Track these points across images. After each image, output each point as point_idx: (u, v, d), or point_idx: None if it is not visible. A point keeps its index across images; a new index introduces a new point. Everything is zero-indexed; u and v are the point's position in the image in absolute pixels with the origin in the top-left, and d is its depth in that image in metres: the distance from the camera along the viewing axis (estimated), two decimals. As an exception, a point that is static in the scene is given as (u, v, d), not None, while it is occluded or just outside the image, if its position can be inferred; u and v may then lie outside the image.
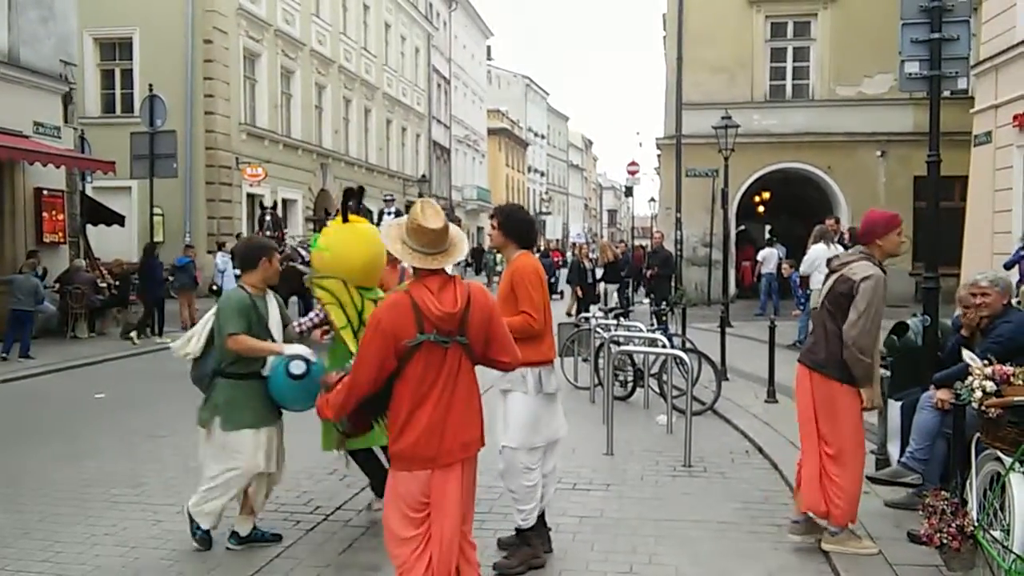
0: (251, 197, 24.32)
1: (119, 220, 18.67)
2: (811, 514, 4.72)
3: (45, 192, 15.20)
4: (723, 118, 16.64)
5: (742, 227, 24.12)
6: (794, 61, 21.49)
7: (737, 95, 20.64)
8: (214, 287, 15.85)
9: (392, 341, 3.24)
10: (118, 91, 22.84)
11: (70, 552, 4.81)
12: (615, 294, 16.96)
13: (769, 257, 18.20)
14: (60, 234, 15.57)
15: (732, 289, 20.13)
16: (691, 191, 20.74)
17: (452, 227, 3.43)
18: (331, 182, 29.68)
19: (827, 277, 4.85)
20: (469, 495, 3.54)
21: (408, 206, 36.48)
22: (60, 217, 15.62)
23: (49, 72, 15.48)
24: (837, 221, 14.00)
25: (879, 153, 20.34)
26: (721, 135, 16.53)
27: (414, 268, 3.40)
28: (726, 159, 16.65)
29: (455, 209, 46.62)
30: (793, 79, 21.50)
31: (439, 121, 43.89)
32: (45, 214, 15.17)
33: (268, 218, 16.52)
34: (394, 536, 3.42)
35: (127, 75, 22.63)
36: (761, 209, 23.65)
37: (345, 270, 4.97)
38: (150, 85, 16.70)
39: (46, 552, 4.81)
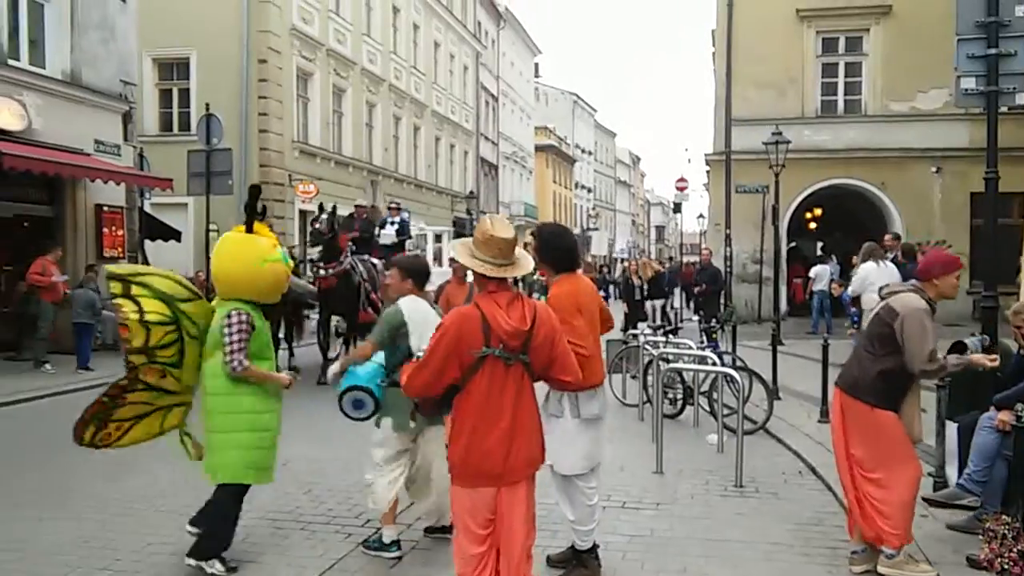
0: (303, 213, 24.72)
1: (176, 236, 19.11)
2: (866, 541, 4.64)
3: (105, 208, 15.64)
4: (774, 134, 16.52)
5: (793, 244, 23.83)
6: (846, 76, 21.21)
7: (787, 111, 20.45)
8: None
9: (457, 351, 3.31)
10: (175, 110, 23.40)
11: (127, 560, 4.93)
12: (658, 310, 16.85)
13: (821, 274, 17.95)
14: (120, 249, 15.99)
15: (783, 307, 19.88)
16: (741, 207, 20.58)
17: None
18: (380, 198, 30.00)
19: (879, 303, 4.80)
20: (532, 512, 3.59)
21: (456, 222, 36.93)
22: (120, 232, 16.05)
23: (109, 92, 15.97)
24: (897, 238, 13.66)
25: (934, 169, 19.95)
26: (772, 151, 16.40)
27: (482, 281, 3.48)
28: (777, 175, 16.50)
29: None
30: (845, 94, 21.20)
31: (487, 138, 44.18)
32: (105, 230, 15.61)
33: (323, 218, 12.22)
34: (462, 553, 3.48)
35: (184, 94, 23.18)
36: (813, 225, 23.35)
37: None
38: (207, 104, 17.10)
39: (105, 560, 4.93)
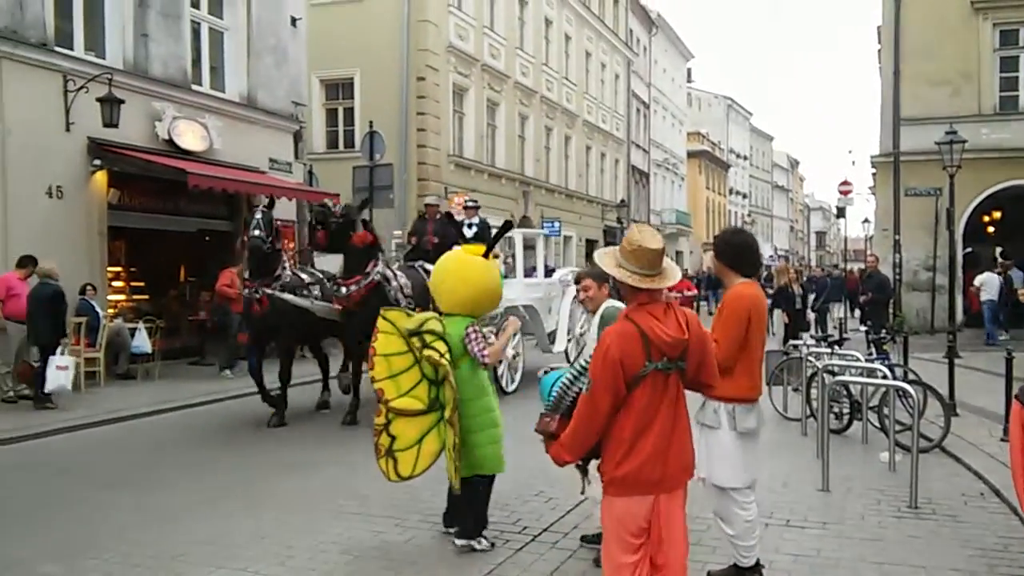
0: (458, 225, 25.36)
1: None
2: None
3: (278, 223, 16.57)
4: (947, 133, 15.53)
5: (969, 249, 22.28)
6: (1028, 70, 19.71)
7: (961, 108, 19.18)
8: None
9: (621, 369, 3.25)
10: (341, 128, 24.61)
11: (301, 558, 5.17)
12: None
13: (988, 282, 16.80)
14: (292, 260, 16.92)
15: (959, 316, 18.61)
16: (911, 211, 19.48)
17: None
18: (532, 209, 30.37)
19: None
20: (686, 522, 3.56)
21: (606, 231, 36.81)
22: (291, 246, 17.00)
23: (282, 113, 17.01)
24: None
25: None
26: (945, 151, 15.42)
27: (632, 293, 3.43)
28: (951, 176, 15.50)
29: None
30: (1027, 89, 19.71)
31: (638, 146, 43.84)
32: (278, 243, 16.56)
33: (258, 218, 9.77)
34: (613, 562, 3.43)
35: (348, 113, 24.35)
36: (991, 229, 21.76)
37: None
38: (370, 122, 17.88)
39: (280, 556, 5.19)
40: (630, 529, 3.38)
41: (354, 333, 9.31)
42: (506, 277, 10.11)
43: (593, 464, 3.69)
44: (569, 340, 12.29)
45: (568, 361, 9.16)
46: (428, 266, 9.54)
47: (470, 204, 13.30)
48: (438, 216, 12.33)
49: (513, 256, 13.43)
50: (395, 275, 10.21)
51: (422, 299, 9.61)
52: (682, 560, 3.47)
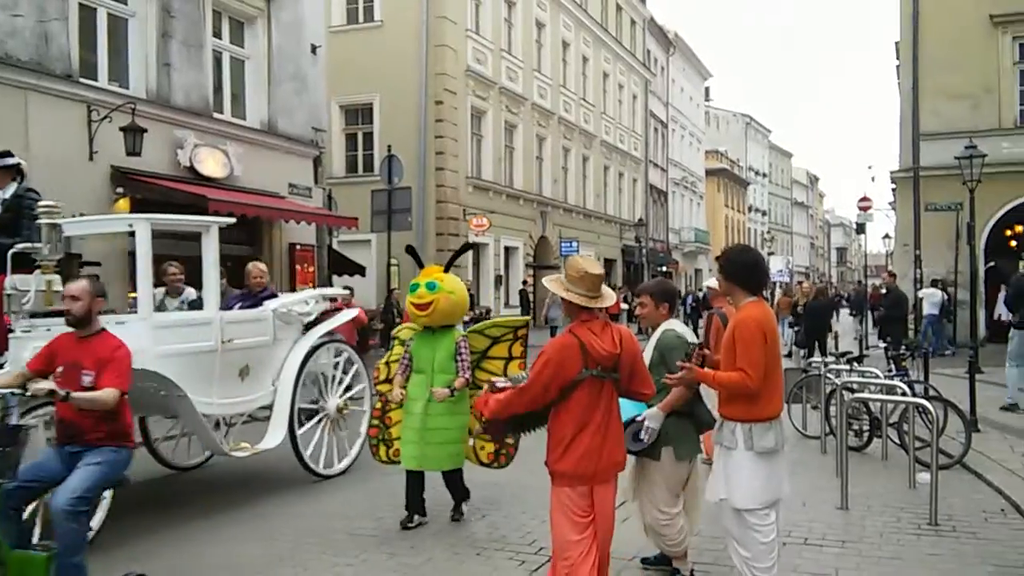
0: (476, 246, 25.50)
1: (360, 271, 20.21)
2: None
3: (298, 247, 16.81)
4: (967, 147, 15.46)
5: (991, 264, 22.08)
6: (1049, 83, 19.62)
7: (981, 122, 19.09)
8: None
9: (560, 374, 3.86)
10: (360, 152, 24.88)
11: (317, 579, 5.20)
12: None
13: (930, 297, 17.71)
14: (311, 284, 17.10)
15: (982, 331, 18.43)
16: (931, 226, 19.38)
17: None
18: (550, 229, 30.47)
19: None
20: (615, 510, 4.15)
21: (624, 250, 36.79)
22: (311, 269, 17.20)
23: (302, 139, 17.23)
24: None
25: None
26: (966, 166, 15.34)
27: (575, 311, 4.03)
28: (972, 191, 15.40)
29: (672, 252, 46.19)
30: (1049, 102, 19.60)
31: (656, 165, 43.90)
32: (298, 267, 16.77)
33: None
34: (563, 539, 3.97)
35: (367, 137, 24.62)
36: (1014, 244, 21.56)
37: (461, 310, 6.22)
38: (389, 146, 18.06)
39: (298, 577, 5.23)
40: (576, 511, 3.94)
41: None
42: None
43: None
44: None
45: None
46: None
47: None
48: None
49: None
50: None
51: None
52: (610, 533, 4.08)
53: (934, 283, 18.64)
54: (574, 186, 33.32)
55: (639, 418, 4.65)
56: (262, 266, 8.16)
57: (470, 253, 24.92)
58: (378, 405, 6.52)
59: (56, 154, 11.96)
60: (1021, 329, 10.64)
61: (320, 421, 7.77)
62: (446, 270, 6.22)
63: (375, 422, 6.55)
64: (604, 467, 3.97)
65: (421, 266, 6.48)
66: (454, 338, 6.04)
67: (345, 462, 7.94)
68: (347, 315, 8.86)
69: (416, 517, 6.16)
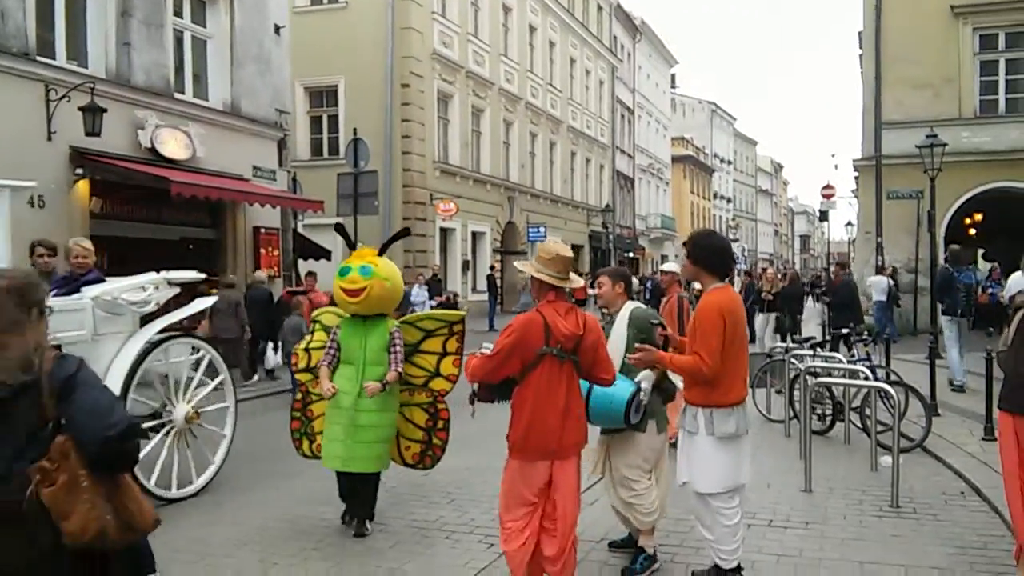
0: (443, 231, 25.40)
1: (326, 255, 20.02)
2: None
3: (262, 230, 16.60)
4: (928, 136, 15.65)
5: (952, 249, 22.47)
6: (1007, 74, 19.92)
7: (942, 112, 19.36)
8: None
9: (521, 347, 4.02)
10: (325, 135, 24.61)
11: (283, 564, 5.15)
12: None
13: (876, 284, 17.91)
14: (275, 268, 16.91)
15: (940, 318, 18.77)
16: (893, 214, 19.65)
17: None
18: (518, 215, 30.45)
19: (1014, 314, 4.50)
20: (580, 484, 4.24)
21: (591, 235, 36.87)
22: (275, 253, 16.98)
23: (265, 120, 16.97)
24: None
25: (1110, 169, 18.38)
26: (926, 154, 15.54)
27: (543, 292, 4.17)
28: (932, 180, 15.62)
29: (639, 238, 46.40)
30: (1007, 93, 19.91)
31: (623, 151, 44.01)
32: (262, 250, 16.55)
33: None
34: (509, 509, 4.14)
35: (333, 120, 24.35)
36: (973, 232, 21.95)
37: (396, 298, 5.83)
38: (354, 129, 17.85)
39: (264, 564, 5.17)
40: (531, 489, 4.08)
41: None
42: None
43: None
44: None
45: None
46: None
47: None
48: None
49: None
50: None
51: None
52: (571, 519, 4.13)
53: (879, 271, 18.94)
54: (541, 171, 33.30)
55: (637, 384, 4.61)
56: (87, 243, 6.82)
57: (438, 238, 24.85)
58: (299, 396, 6.14)
59: (13, 133, 11.66)
60: (947, 316, 11.69)
61: (168, 433, 6.56)
62: (380, 254, 5.76)
63: (296, 414, 6.13)
64: (565, 445, 4.09)
65: (352, 247, 6.00)
66: (387, 328, 5.62)
67: (205, 476, 6.85)
68: (199, 304, 7.48)
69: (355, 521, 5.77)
